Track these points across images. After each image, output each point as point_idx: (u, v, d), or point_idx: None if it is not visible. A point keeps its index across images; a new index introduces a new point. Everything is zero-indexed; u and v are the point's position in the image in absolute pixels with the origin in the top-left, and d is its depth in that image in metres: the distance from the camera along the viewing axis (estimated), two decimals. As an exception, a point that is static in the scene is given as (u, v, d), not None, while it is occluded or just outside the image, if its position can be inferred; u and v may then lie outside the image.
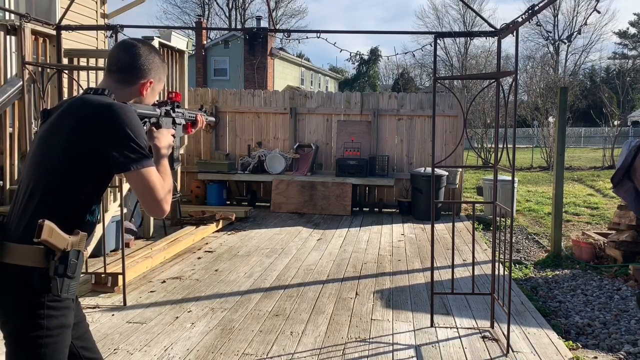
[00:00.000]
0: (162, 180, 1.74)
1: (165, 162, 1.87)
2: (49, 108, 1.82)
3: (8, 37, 5.21)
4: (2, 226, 1.70)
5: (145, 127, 1.90)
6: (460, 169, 9.31)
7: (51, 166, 1.66)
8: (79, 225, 1.69)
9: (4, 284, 1.63)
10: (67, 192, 1.66)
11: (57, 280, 1.60)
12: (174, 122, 2.08)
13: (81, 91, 1.83)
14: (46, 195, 1.65)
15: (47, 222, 1.57)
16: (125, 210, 5.17)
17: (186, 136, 7.18)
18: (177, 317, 3.94)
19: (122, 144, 1.64)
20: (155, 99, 2.01)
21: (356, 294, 4.61)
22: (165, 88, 6.39)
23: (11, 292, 1.62)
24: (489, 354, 3.42)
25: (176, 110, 2.10)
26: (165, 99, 2.11)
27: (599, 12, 3.39)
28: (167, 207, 1.75)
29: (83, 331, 1.90)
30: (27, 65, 4.65)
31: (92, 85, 6.51)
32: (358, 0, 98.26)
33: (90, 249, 4.74)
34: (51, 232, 1.58)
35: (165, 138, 1.94)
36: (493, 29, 3.85)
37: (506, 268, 3.96)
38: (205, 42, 28.68)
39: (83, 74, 6.43)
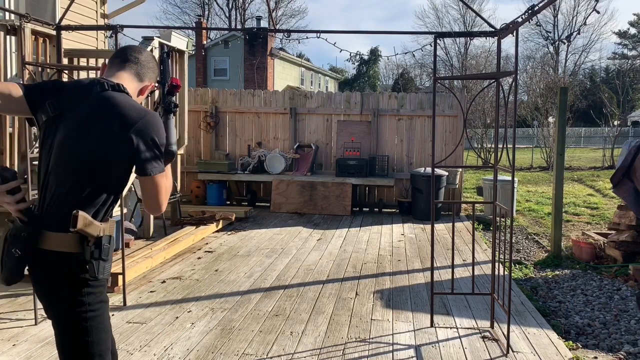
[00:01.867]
0: (168, 185, 1.90)
1: (169, 164, 2.00)
2: (57, 98, 1.83)
3: (8, 37, 5.21)
4: (38, 216, 1.81)
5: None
6: (460, 169, 9.31)
7: (86, 163, 1.78)
8: (107, 212, 1.87)
9: (48, 269, 1.79)
10: (101, 186, 1.81)
11: (93, 264, 1.78)
12: (173, 113, 2.15)
13: (99, 83, 1.89)
14: (82, 189, 1.78)
15: (81, 213, 1.73)
16: (125, 210, 5.17)
17: (186, 136, 7.17)
18: (177, 317, 3.94)
19: (150, 150, 1.81)
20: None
21: (356, 294, 4.61)
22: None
23: (54, 275, 1.79)
24: (489, 354, 3.43)
25: (176, 100, 2.16)
26: (167, 88, 2.15)
27: (598, 12, 3.39)
28: (164, 209, 1.93)
29: None
30: (27, 65, 4.65)
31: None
32: (356, 0, 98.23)
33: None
34: (85, 221, 1.74)
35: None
36: (493, 29, 3.85)
37: (506, 268, 3.96)
38: (205, 42, 28.68)
39: (83, 74, 6.43)
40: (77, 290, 1.79)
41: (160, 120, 1.87)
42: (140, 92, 2.02)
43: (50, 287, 1.81)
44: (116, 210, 5.27)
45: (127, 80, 1.95)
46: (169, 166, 1.96)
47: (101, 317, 1.85)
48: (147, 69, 2.02)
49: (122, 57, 1.99)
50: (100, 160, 1.78)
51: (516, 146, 3.81)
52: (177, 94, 2.21)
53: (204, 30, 29.53)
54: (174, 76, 6.69)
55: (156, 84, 2.16)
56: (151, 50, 5.95)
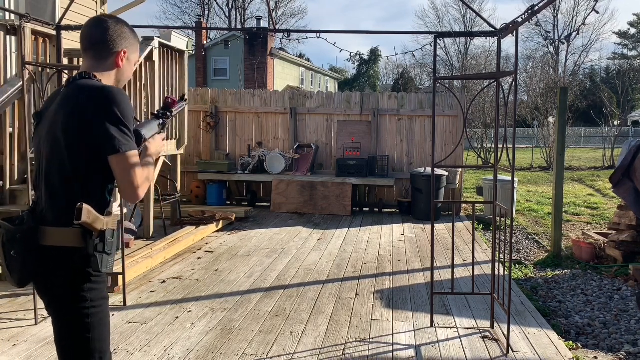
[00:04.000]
0: (142, 169, 1.81)
1: (151, 166, 1.93)
2: (39, 110, 1.91)
3: (8, 37, 5.21)
4: (35, 213, 1.81)
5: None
6: (460, 169, 9.31)
7: (64, 154, 1.75)
8: (104, 205, 1.82)
9: (48, 265, 1.76)
10: (85, 174, 1.76)
11: (96, 257, 1.75)
12: (163, 127, 2.14)
13: (67, 80, 1.91)
14: (68, 181, 1.76)
15: (85, 206, 1.70)
16: (125, 210, 5.17)
17: (186, 136, 7.17)
18: (177, 317, 3.94)
19: (112, 124, 1.72)
20: (133, 70, 2.04)
21: (356, 294, 4.61)
22: (166, 89, 6.38)
23: (55, 271, 1.76)
24: (489, 354, 3.42)
25: (168, 115, 2.14)
26: (164, 103, 2.15)
27: (597, 12, 3.40)
28: (142, 194, 1.83)
29: None
30: (27, 65, 4.64)
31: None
32: (356, 0, 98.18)
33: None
34: (89, 214, 1.71)
35: (156, 144, 2.02)
36: (493, 29, 3.85)
37: (506, 268, 3.96)
38: (205, 42, 28.67)
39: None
40: (79, 286, 1.76)
41: (123, 95, 1.77)
42: (116, 64, 1.91)
43: (49, 283, 1.78)
44: (116, 210, 5.27)
45: (92, 66, 1.89)
46: (151, 169, 1.92)
47: (102, 313, 1.83)
48: (108, 43, 1.89)
49: (82, 46, 1.92)
50: (73, 146, 1.74)
51: (516, 146, 3.81)
52: (174, 108, 2.19)
53: (204, 30, 29.52)
54: (177, 82, 6.70)
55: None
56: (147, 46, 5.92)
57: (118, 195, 5.20)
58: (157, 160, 2.14)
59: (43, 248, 1.75)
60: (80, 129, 1.73)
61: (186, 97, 2.48)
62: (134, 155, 1.76)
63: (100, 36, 1.89)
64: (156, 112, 2.11)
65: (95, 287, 1.79)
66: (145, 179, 1.82)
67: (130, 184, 1.77)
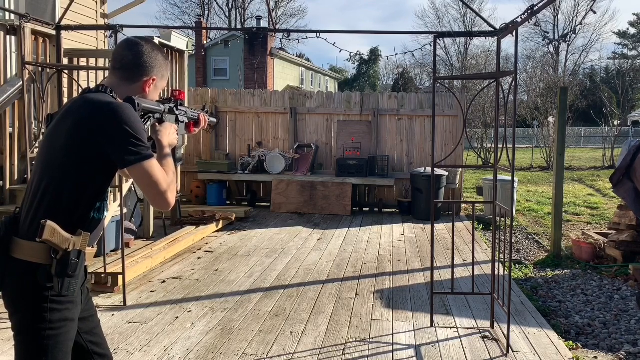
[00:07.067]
0: (165, 173, 1.78)
1: (169, 160, 1.89)
2: (52, 113, 1.87)
3: (8, 37, 5.21)
4: (14, 221, 1.75)
5: (148, 122, 1.93)
6: (460, 169, 9.31)
7: (54, 165, 1.72)
8: (84, 222, 1.74)
9: (13, 278, 1.70)
10: (71, 190, 1.71)
11: (57, 279, 1.67)
12: (177, 120, 2.08)
13: (81, 90, 1.88)
14: (51, 194, 1.70)
15: (49, 223, 1.63)
16: (125, 210, 5.17)
17: (186, 136, 7.17)
18: (177, 317, 3.94)
19: (122, 141, 1.68)
20: (158, 97, 2.02)
21: (356, 294, 4.61)
22: (167, 87, 6.38)
23: (19, 285, 1.69)
24: (489, 354, 3.43)
25: (179, 108, 2.10)
26: (169, 96, 2.11)
27: (594, 12, 3.40)
28: (172, 199, 1.79)
29: (93, 326, 1.94)
30: (27, 65, 4.65)
31: (92, 85, 6.52)
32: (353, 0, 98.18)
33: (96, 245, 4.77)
34: (53, 232, 1.64)
35: (168, 132, 1.96)
36: (493, 29, 3.85)
37: (506, 268, 3.96)
38: (205, 42, 28.66)
39: (83, 74, 6.43)
40: (40, 305, 1.67)
41: (129, 108, 1.72)
42: (142, 90, 1.89)
43: (13, 298, 1.71)
44: (116, 210, 5.28)
45: (116, 85, 1.86)
46: (171, 163, 1.87)
47: (62, 336, 1.71)
48: (139, 68, 1.87)
49: (112, 64, 1.89)
50: (61, 161, 1.70)
51: (516, 146, 3.81)
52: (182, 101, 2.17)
53: (204, 30, 29.50)
54: (176, 82, 6.70)
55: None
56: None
57: (117, 195, 5.21)
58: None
59: (12, 260, 1.69)
60: (84, 147, 1.69)
61: (206, 108, 2.47)
62: (152, 163, 1.73)
63: (133, 60, 1.86)
64: (168, 109, 2.04)
65: (57, 308, 1.69)
66: (171, 181, 1.78)
67: (156, 192, 1.75)
